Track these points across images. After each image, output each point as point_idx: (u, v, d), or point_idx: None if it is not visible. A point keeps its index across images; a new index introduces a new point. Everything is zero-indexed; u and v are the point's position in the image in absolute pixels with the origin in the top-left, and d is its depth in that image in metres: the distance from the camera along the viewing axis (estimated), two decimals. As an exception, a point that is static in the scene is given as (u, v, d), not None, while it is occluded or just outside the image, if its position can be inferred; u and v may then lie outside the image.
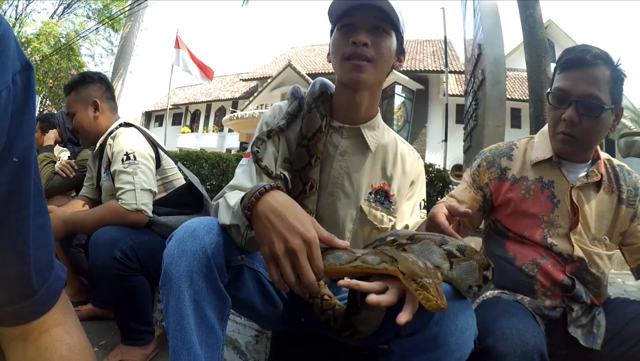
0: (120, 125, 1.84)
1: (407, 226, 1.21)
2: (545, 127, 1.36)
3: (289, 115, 1.20)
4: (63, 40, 15.73)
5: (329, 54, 1.18)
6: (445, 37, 11.57)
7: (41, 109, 13.02)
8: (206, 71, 13.86)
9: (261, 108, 18.90)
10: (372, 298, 0.72)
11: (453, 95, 17.64)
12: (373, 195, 1.20)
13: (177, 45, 13.15)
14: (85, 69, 16.66)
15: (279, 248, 0.77)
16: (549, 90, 1.27)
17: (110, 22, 16.61)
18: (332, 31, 1.16)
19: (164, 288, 0.85)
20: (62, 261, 2.21)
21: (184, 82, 29.38)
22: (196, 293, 0.84)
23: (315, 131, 1.15)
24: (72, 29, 16.77)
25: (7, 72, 0.47)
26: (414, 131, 18.94)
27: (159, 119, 29.01)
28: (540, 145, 1.34)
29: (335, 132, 1.20)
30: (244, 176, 1.12)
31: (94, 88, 1.87)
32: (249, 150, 1.18)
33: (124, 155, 1.66)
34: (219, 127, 25.41)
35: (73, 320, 0.70)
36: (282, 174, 1.16)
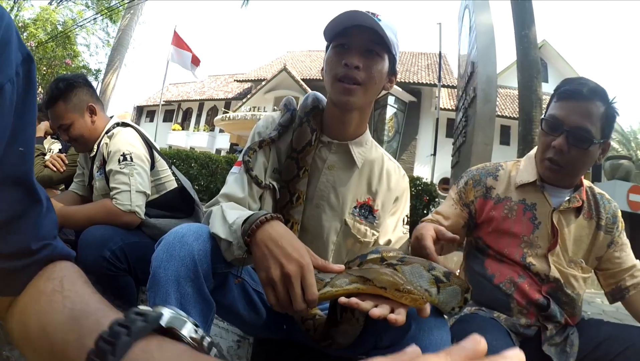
0: (117, 124, 1.83)
1: (389, 241, 1.24)
2: (532, 151, 1.41)
3: (281, 126, 1.23)
4: (60, 28, 15.58)
5: (322, 69, 1.21)
6: (440, 52, 11.69)
7: (34, 97, 12.87)
8: (195, 61, 13.73)
9: (254, 110, 18.88)
10: (385, 314, 0.74)
11: (445, 109, 17.90)
12: (358, 209, 1.23)
13: (174, 41, 13.12)
14: (80, 59, 16.52)
15: (276, 274, 0.82)
16: (543, 116, 1.31)
17: (108, 13, 16.50)
18: (327, 48, 1.18)
19: (151, 291, 0.87)
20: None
21: (177, 79, 29.19)
22: (182, 297, 0.86)
23: (305, 144, 1.18)
24: (70, 17, 16.62)
25: (11, 65, 0.47)
26: (404, 143, 19.07)
27: (150, 115, 28.81)
28: (526, 168, 1.38)
29: (324, 147, 1.23)
30: (235, 186, 1.15)
31: (82, 92, 1.81)
32: (240, 158, 1.21)
33: (121, 155, 1.65)
34: (210, 126, 25.33)
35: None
36: (271, 184, 1.18)
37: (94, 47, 21.55)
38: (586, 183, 1.39)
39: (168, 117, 28.08)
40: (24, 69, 0.50)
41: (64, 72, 14.01)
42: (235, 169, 1.20)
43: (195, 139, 25.69)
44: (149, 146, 1.83)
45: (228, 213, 0.96)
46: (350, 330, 0.93)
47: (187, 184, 1.95)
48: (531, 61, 6.67)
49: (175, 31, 13.09)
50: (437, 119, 11.11)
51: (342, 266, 0.87)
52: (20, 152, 0.51)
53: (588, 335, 1.27)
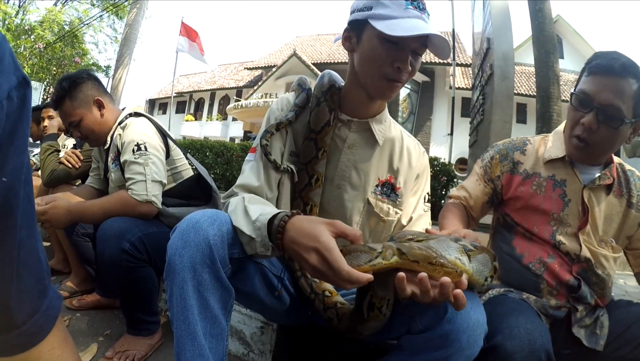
0: (130, 115, 1.81)
1: (411, 219, 1.24)
2: (561, 126, 1.36)
3: (297, 107, 1.20)
4: (67, 28, 15.69)
5: (346, 41, 1.14)
6: (453, 29, 11.41)
7: (44, 97, 13.05)
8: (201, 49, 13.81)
9: (266, 97, 18.79)
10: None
11: (460, 88, 17.72)
12: (380, 188, 1.21)
13: (182, 32, 13.12)
14: (89, 57, 16.67)
15: (308, 268, 0.84)
16: (572, 90, 1.26)
17: (114, 9, 16.54)
18: (359, 22, 1.08)
19: (168, 279, 0.87)
20: (67, 250, 2.22)
21: (188, 70, 29.27)
22: (199, 284, 0.85)
23: (323, 124, 1.15)
24: (76, 17, 16.71)
25: (1, 87, 0.44)
26: (419, 123, 18.90)
27: (163, 107, 29.07)
28: (554, 144, 1.34)
29: (343, 126, 1.20)
30: (251, 174, 1.13)
31: (87, 87, 1.79)
32: (255, 144, 1.19)
33: (135, 145, 1.64)
34: (223, 115, 25.41)
35: (72, 354, 0.68)
36: (289, 168, 1.16)
37: (102, 45, 22.05)
38: (616, 159, 1.34)
39: (180, 108, 28.27)
40: (19, 94, 0.47)
41: (73, 70, 14.16)
42: (250, 156, 1.18)
43: (208, 128, 25.85)
44: (163, 135, 1.81)
45: (250, 208, 0.95)
46: (377, 324, 0.91)
47: (203, 171, 1.94)
48: (547, 37, 6.49)
49: (182, 22, 13.06)
50: (453, 99, 10.92)
51: (358, 231, 0.85)
52: (3, 183, 0.47)
53: (618, 316, 1.24)
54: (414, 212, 1.25)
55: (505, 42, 4.40)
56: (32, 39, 14.44)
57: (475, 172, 1.47)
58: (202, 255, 0.85)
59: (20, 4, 16.16)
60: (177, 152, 1.86)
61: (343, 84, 1.22)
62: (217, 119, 26.17)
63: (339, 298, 1.06)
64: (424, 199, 1.28)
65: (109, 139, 1.81)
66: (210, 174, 7.07)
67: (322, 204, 1.19)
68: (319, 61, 20.34)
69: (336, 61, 19.97)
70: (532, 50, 6.85)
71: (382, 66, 1.06)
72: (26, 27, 14.67)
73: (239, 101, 20.34)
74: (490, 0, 4.67)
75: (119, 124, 1.78)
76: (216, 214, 0.93)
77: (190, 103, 28.15)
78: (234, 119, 23.52)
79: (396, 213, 1.22)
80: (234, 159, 6.75)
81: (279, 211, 0.92)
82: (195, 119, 27.13)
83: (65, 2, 17.45)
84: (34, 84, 12.67)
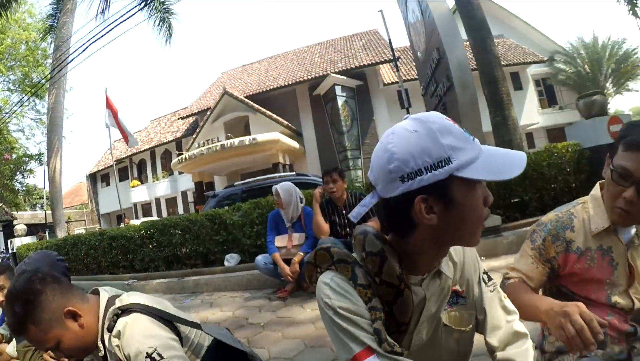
0: (116, 315, 1.42)
1: (485, 311, 1.12)
2: (596, 192, 1.42)
3: (368, 289, 0.94)
4: (-13, 124, 14.84)
5: (429, 213, 0.87)
6: (389, 39, 11.62)
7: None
8: (125, 137, 13.70)
9: (208, 143, 18.08)
10: None
11: (389, 83, 19.25)
12: (447, 303, 1.08)
13: (108, 105, 12.60)
14: (17, 146, 15.71)
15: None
16: (611, 166, 1.30)
17: (32, 91, 15.85)
18: (439, 184, 0.86)
19: None
20: None
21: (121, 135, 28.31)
22: None
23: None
24: (-5, 108, 15.88)
25: None
26: (364, 128, 19.03)
27: (105, 179, 28.06)
28: (596, 213, 1.40)
29: (414, 286, 1.00)
30: None
31: (48, 300, 1.36)
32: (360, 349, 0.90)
33: (145, 357, 1.28)
34: (169, 171, 24.65)
35: None
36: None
37: (29, 130, 21.15)
38: None
39: (123, 175, 27.23)
40: None
41: (6, 168, 13.26)
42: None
43: (157, 189, 25.13)
44: (168, 321, 1.46)
45: None
46: None
47: (223, 334, 1.63)
48: (479, 23, 6.61)
49: (106, 94, 12.54)
50: (403, 91, 11.00)
51: None
52: None
53: None
54: (483, 302, 1.13)
55: (458, 50, 4.33)
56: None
57: (527, 254, 1.46)
58: None
59: None
60: (189, 329, 1.53)
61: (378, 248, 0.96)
62: (163, 177, 25.40)
63: None
64: (484, 281, 1.16)
65: (99, 344, 1.42)
66: (183, 251, 6.57)
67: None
68: (250, 92, 20.19)
69: (267, 89, 19.86)
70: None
71: (483, 212, 0.91)
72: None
73: (181, 153, 19.60)
74: (432, 9, 4.56)
75: (108, 330, 1.40)
76: None
77: (132, 167, 27.21)
78: (180, 173, 22.77)
79: (470, 315, 1.11)
80: (202, 233, 6.31)
81: None
82: (141, 183, 26.24)
83: (-20, 96, 16.52)
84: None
